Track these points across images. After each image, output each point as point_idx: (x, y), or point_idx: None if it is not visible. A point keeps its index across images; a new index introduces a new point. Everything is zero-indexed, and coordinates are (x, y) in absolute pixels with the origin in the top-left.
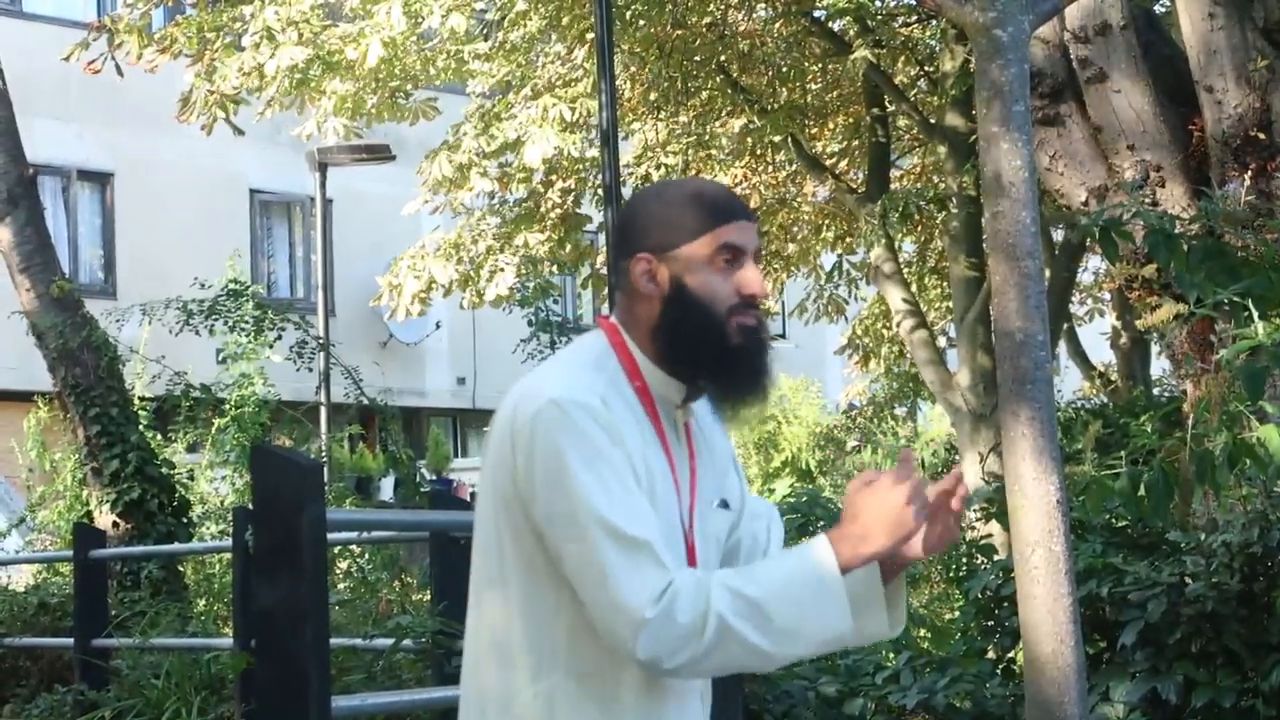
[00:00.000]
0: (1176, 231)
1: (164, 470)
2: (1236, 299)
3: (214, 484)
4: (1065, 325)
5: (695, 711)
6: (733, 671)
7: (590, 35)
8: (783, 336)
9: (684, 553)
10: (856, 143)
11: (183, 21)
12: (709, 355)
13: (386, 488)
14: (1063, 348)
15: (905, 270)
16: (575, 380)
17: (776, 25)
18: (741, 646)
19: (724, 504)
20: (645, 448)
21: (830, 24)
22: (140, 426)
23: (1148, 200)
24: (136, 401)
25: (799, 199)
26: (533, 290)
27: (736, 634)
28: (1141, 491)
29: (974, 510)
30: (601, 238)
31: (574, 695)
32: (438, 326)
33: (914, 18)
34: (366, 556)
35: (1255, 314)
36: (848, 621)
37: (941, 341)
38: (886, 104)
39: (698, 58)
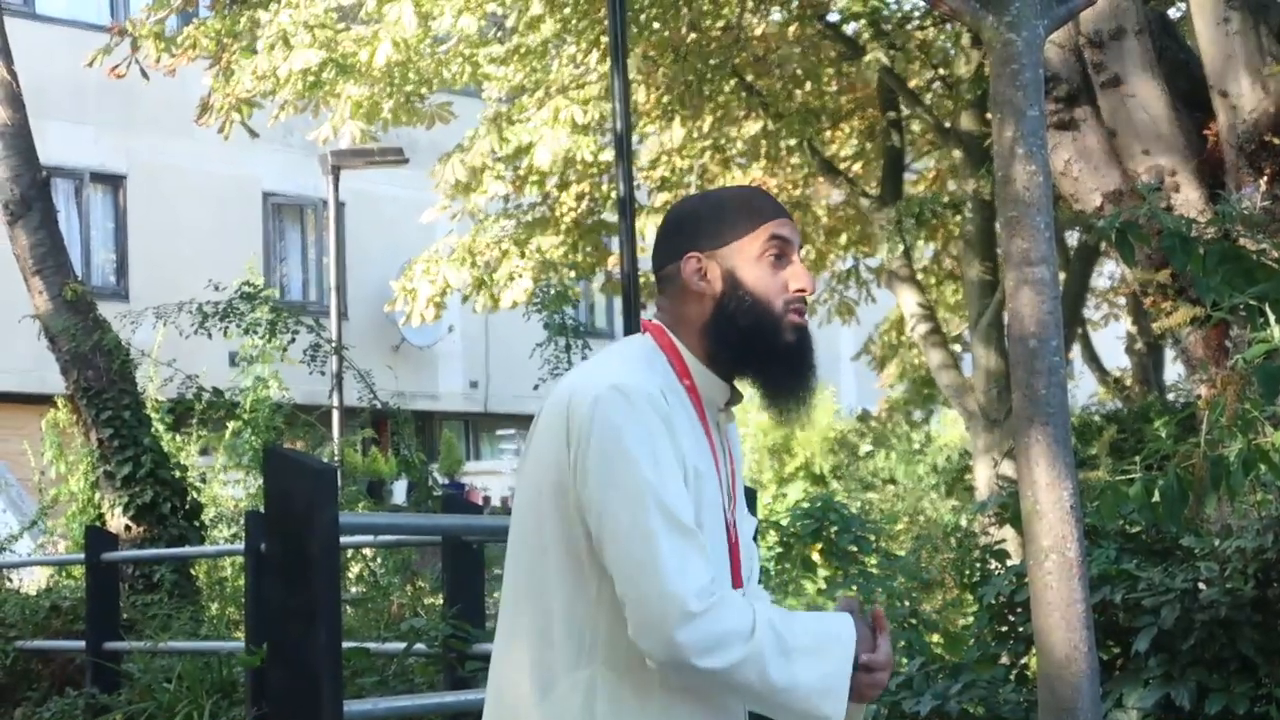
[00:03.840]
0: (1193, 235)
1: (177, 474)
2: (1253, 302)
3: (227, 487)
4: (1079, 330)
5: (736, 712)
6: (717, 694)
7: (605, 39)
8: None
9: (728, 554)
10: (870, 146)
11: (201, 25)
12: (762, 351)
13: (399, 491)
14: (1076, 352)
15: (921, 275)
16: (634, 371)
17: (790, 29)
18: (759, 678)
19: (752, 510)
20: (696, 446)
21: (844, 27)
22: (153, 430)
23: (1163, 204)
24: (153, 405)
25: (814, 203)
26: (552, 298)
27: (763, 665)
28: (1156, 497)
29: (988, 515)
30: (615, 241)
31: (612, 684)
32: (450, 330)
33: (928, 21)
34: (379, 560)
35: (1272, 317)
36: (840, 715)
37: (956, 346)
38: (901, 108)
39: (712, 61)
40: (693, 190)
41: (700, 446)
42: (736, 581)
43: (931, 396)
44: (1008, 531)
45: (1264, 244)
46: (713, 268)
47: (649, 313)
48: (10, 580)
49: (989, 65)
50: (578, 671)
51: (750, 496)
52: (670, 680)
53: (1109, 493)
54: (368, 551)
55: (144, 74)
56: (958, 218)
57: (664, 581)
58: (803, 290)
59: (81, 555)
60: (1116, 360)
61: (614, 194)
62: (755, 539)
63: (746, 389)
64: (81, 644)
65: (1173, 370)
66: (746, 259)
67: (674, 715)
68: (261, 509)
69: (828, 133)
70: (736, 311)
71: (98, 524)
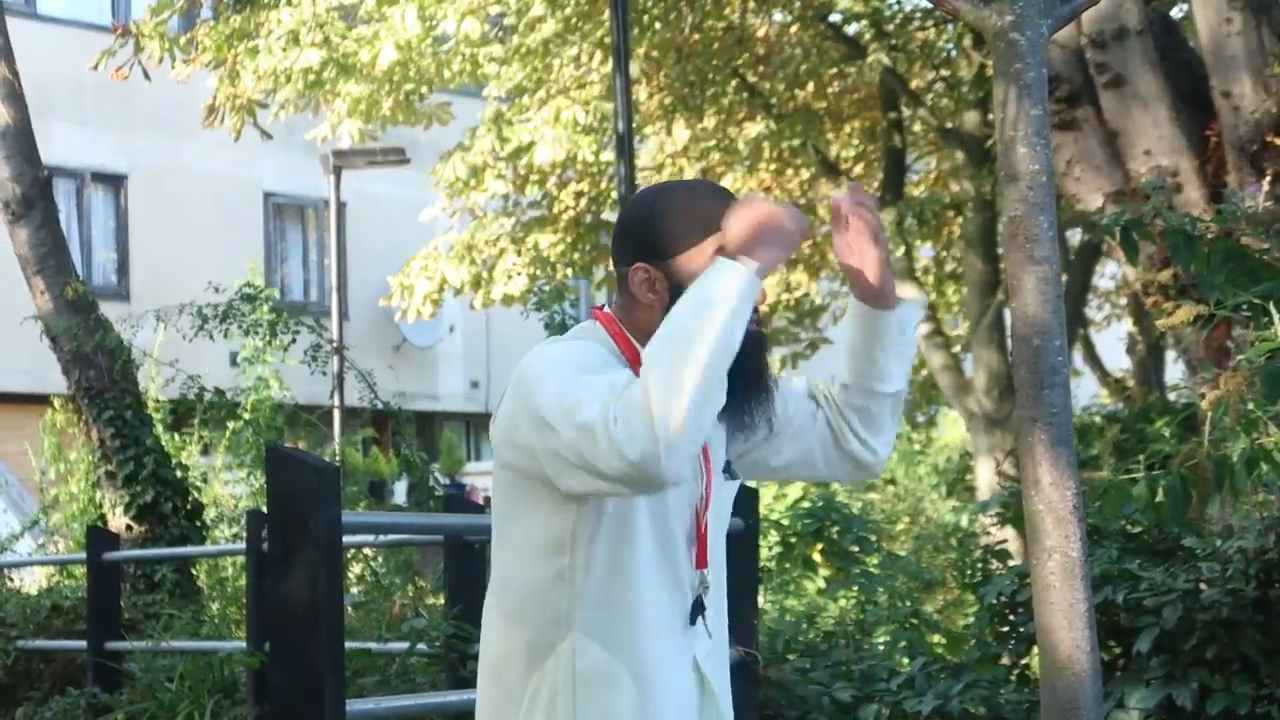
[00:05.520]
0: (1197, 233)
1: (178, 473)
2: (1257, 301)
3: (228, 487)
4: (1080, 331)
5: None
6: (696, 408)
7: (608, 40)
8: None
9: (691, 537)
10: (871, 147)
11: (208, 28)
12: None
13: (400, 491)
14: (1078, 353)
15: (922, 275)
16: (579, 341)
17: (793, 29)
18: (667, 388)
19: (728, 471)
20: None
21: (846, 28)
22: (155, 430)
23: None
24: (154, 405)
25: (818, 205)
26: (548, 294)
27: (660, 373)
28: (1160, 497)
29: (989, 515)
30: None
31: (586, 651)
32: (451, 330)
33: (930, 22)
34: (380, 560)
35: (1276, 316)
36: (743, 271)
37: (956, 346)
38: (902, 108)
39: (715, 62)
40: None
41: None
42: (700, 562)
43: (934, 398)
44: (1009, 532)
45: (1269, 243)
46: (660, 280)
47: None
48: (11, 580)
49: (991, 65)
50: (558, 643)
51: (751, 496)
52: (647, 649)
53: (1113, 492)
54: (369, 551)
55: (146, 76)
56: (959, 219)
57: (581, 423)
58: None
59: (83, 555)
60: (1118, 361)
61: (614, 193)
62: (756, 529)
63: None
64: (83, 644)
65: (1174, 371)
66: (694, 272)
67: (648, 686)
68: (263, 508)
69: (830, 134)
70: None
71: (99, 524)
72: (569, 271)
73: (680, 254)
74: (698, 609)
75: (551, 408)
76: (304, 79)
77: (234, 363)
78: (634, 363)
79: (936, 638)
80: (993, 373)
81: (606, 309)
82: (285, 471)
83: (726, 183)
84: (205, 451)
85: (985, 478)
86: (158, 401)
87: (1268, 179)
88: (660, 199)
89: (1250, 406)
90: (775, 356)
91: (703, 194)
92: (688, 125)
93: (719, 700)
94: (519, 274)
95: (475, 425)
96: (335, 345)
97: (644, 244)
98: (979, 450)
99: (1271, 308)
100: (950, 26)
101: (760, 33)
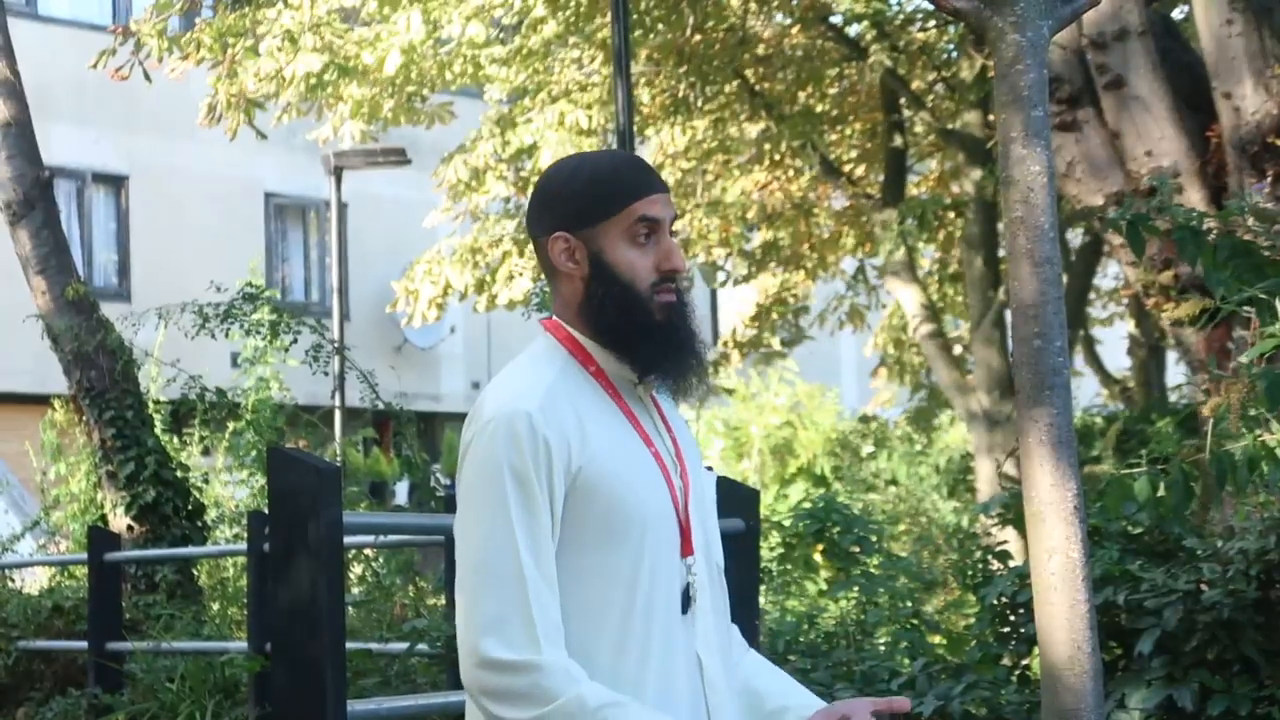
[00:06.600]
0: (1203, 228)
1: (179, 474)
2: (1262, 296)
3: (229, 487)
4: (1081, 332)
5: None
6: None
7: (609, 42)
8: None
9: (675, 522)
10: (873, 148)
11: (206, 27)
12: (633, 333)
13: (401, 492)
14: (1079, 354)
15: (926, 277)
16: (519, 387)
17: (794, 30)
18: None
19: (707, 466)
20: (618, 429)
21: (847, 30)
22: (156, 430)
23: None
24: (152, 405)
25: (817, 207)
26: (549, 294)
27: None
28: (1161, 493)
29: (990, 516)
30: None
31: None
32: (452, 331)
33: (931, 23)
34: (381, 560)
35: None
36: None
37: (958, 347)
38: (903, 109)
39: (716, 63)
40: (698, 193)
41: (618, 428)
42: (686, 550)
43: (937, 399)
44: (1010, 532)
45: (1274, 241)
46: (580, 249)
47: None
48: (12, 580)
49: (992, 66)
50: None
51: (752, 498)
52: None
53: (1114, 487)
54: (370, 552)
55: (147, 76)
56: (960, 220)
57: (469, 628)
58: (674, 270)
59: (84, 555)
60: (1119, 362)
61: None
62: (757, 531)
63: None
64: (84, 644)
65: (1175, 373)
66: (614, 241)
67: (624, 680)
68: (264, 509)
69: (831, 135)
70: (605, 296)
71: (100, 524)
72: None
73: (600, 222)
74: (686, 598)
75: (465, 575)
76: (305, 83)
77: (235, 363)
78: (586, 362)
79: (937, 638)
80: (993, 373)
81: (553, 315)
82: (286, 472)
83: (725, 186)
84: (206, 452)
85: (986, 478)
86: (158, 402)
87: (1269, 180)
88: (580, 168)
89: (1250, 412)
90: (758, 356)
91: (623, 163)
92: (683, 130)
93: (719, 685)
94: (521, 275)
95: None
96: (336, 346)
97: (563, 213)
98: (980, 450)
99: (1277, 303)
100: (951, 28)
101: (761, 34)
